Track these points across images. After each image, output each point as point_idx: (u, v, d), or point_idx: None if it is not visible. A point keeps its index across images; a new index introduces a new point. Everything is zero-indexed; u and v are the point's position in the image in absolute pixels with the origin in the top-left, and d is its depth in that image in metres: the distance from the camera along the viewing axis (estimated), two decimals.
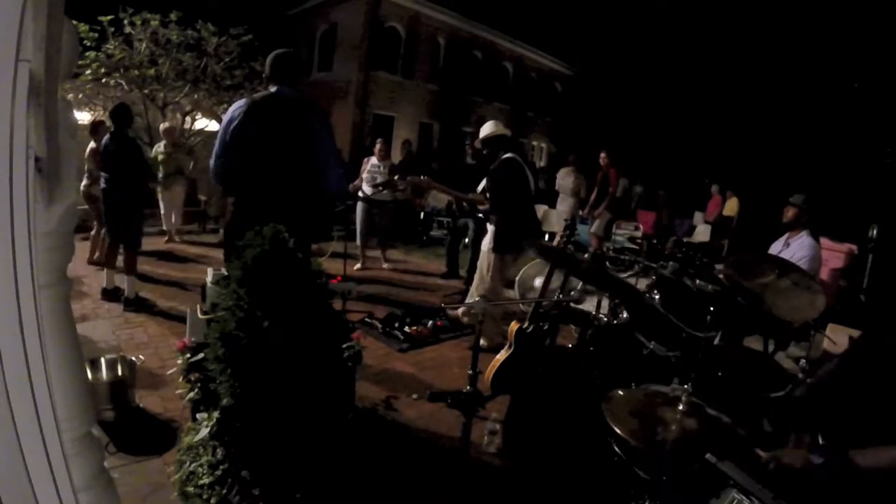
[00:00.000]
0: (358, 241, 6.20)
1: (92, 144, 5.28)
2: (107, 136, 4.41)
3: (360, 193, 6.18)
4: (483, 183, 4.05)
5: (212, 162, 2.71)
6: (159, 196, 6.81)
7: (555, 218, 8.35)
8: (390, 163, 6.46)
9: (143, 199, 4.78)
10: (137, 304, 4.33)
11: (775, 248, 3.46)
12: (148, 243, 5.65)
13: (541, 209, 9.09)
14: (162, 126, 7.16)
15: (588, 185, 7.53)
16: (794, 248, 3.31)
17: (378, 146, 6.33)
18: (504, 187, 3.88)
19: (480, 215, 4.71)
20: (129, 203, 4.41)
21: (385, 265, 6.42)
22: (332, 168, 2.76)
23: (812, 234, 3.33)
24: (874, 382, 1.57)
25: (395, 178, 6.15)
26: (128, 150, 4.36)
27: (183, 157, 7.26)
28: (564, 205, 7.77)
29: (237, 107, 2.65)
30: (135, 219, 4.53)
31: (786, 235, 3.47)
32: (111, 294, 4.46)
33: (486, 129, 4.05)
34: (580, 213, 7.62)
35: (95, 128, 5.39)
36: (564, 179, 7.70)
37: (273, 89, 2.71)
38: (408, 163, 7.75)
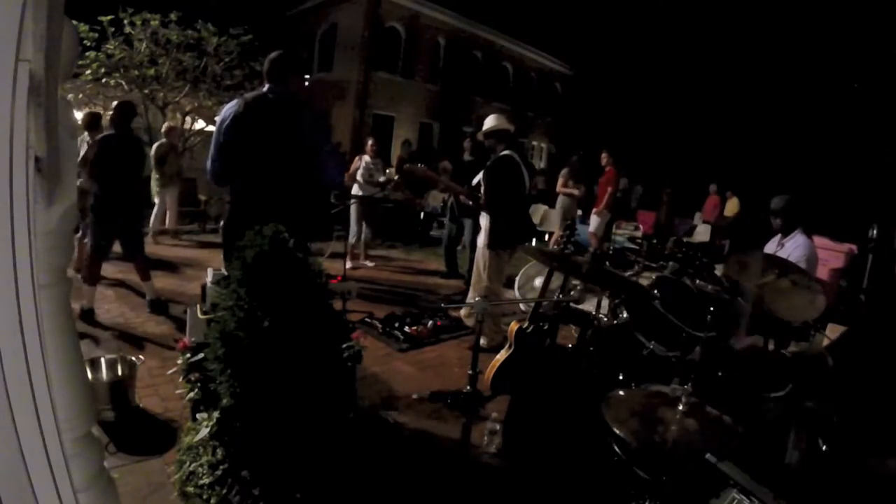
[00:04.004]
0: (351, 240, 6.24)
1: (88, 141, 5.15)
2: (108, 134, 3.92)
3: (356, 192, 6.20)
4: (478, 177, 4.07)
5: (207, 164, 2.72)
6: (155, 197, 6.79)
7: (554, 217, 8.34)
8: (380, 162, 6.51)
9: (141, 201, 4.50)
10: (162, 307, 4.14)
11: (769, 249, 3.42)
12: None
13: (541, 209, 9.09)
14: (165, 125, 7.15)
15: (588, 185, 7.55)
16: (788, 248, 3.26)
17: (370, 143, 6.41)
18: (499, 184, 3.88)
19: (470, 204, 4.70)
20: (135, 207, 4.12)
21: (370, 263, 6.44)
22: (328, 164, 2.76)
23: (805, 231, 3.28)
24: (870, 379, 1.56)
25: (395, 177, 6.17)
26: (133, 149, 4.02)
27: (179, 158, 7.26)
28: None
29: (229, 108, 2.65)
30: (140, 224, 4.28)
31: (778, 236, 3.44)
32: (87, 315, 3.84)
33: (490, 121, 4.07)
34: (579, 212, 7.63)
35: (95, 122, 5.28)
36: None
37: (264, 88, 2.72)
38: (409, 161, 7.76)
